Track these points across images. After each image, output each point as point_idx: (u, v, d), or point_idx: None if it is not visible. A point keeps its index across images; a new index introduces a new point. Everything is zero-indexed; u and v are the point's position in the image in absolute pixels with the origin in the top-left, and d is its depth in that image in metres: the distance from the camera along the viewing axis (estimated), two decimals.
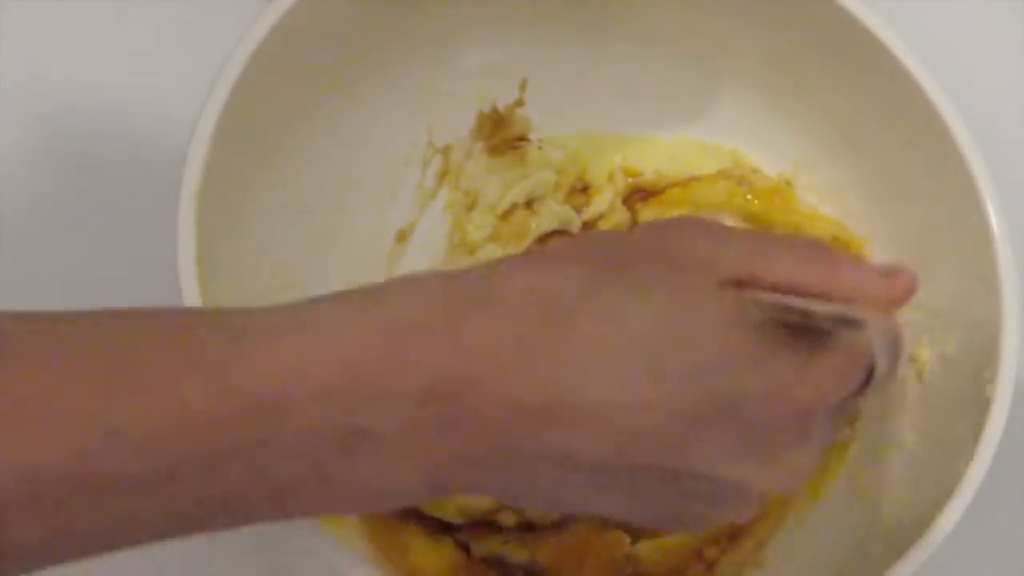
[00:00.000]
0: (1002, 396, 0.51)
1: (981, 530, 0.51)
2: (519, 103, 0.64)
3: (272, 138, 0.56)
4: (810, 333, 0.40)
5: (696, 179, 0.64)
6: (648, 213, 0.64)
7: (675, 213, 0.63)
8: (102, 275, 0.59)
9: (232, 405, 0.34)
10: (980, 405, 0.51)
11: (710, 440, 0.38)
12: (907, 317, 0.59)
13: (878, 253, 0.61)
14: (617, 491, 0.39)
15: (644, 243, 0.42)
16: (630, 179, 0.64)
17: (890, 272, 0.44)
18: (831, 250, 0.45)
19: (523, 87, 0.63)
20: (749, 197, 0.63)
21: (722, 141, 0.64)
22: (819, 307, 0.40)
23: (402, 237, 0.63)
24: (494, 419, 0.36)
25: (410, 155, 0.62)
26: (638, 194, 0.64)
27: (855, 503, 0.57)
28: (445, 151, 0.63)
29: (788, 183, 0.63)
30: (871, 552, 0.52)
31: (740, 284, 0.40)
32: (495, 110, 0.63)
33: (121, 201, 0.60)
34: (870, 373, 0.41)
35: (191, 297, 0.47)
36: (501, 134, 0.64)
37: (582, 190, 0.64)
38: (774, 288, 0.41)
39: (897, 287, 0.44)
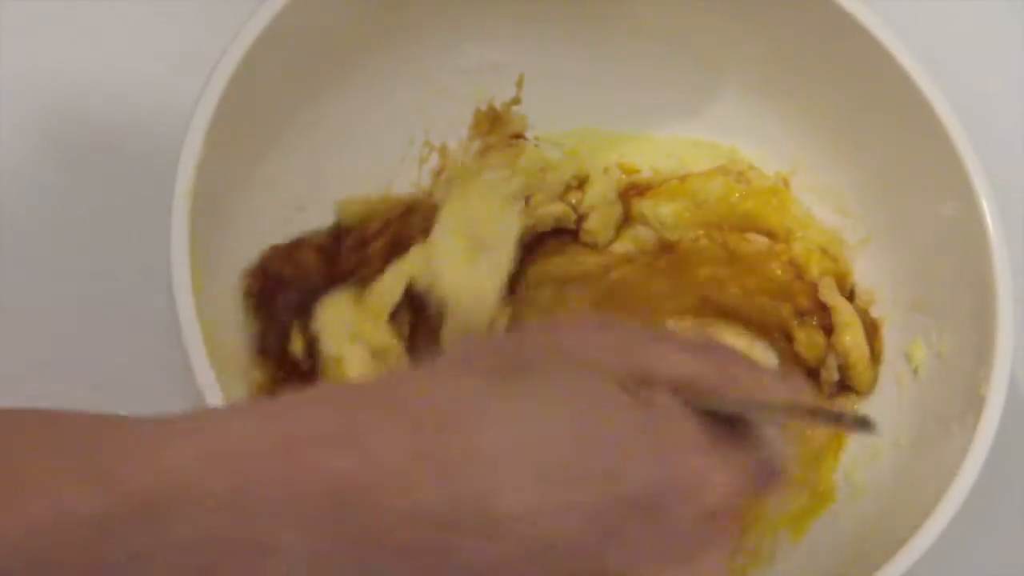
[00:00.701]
0: (996, 395, 0.51)
1: (975, 528, 0.51)
2: (516, 101, 0.63)
3: (267, 133, 0.56)
4: (722, 431, 0.39)
5: (693, 174, 0.64)
6: (644, 207, 0.64)
7: (670, 207, 0.63)
8: (96, 269, 0.59)
9: (117, 509, 0.33)
10: (974, 404, 0.51)
11: (628, 543, 0.37)
12: (903, 317, 0.59)
13: (874, 253, 0.61)
14: None
15: (538, 346, 0.41)
16: (625, 176, 0.64)
17: (783, 376, 0.45)
18: (727, 349, 0.45)
19: (520, 85, 0.63)
20: (741, 195, 0.63)
21: (719, 139, 0.64)
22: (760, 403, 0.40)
23: None
24: (396, 529, 0.35)
25: (406, 153, 0.62)
26: (634, 189, 0.64)
27: (851, 501, 0.57)
28: (442, 149, 0.63)
29: (785, 183, 0.63)
30: (866, 550, 0.52)
31: (639, 381, 0.39)
32: (492, 108, 0.63)
33: (116, 196, 0.60)
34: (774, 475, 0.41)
35: (182, 293, 0.47)
36: (498, 132, 0.64)
37: (578, 187, 0.64)
38: (671, 383, 0.40)
39: (790, 390, 0.42)
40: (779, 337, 0.62)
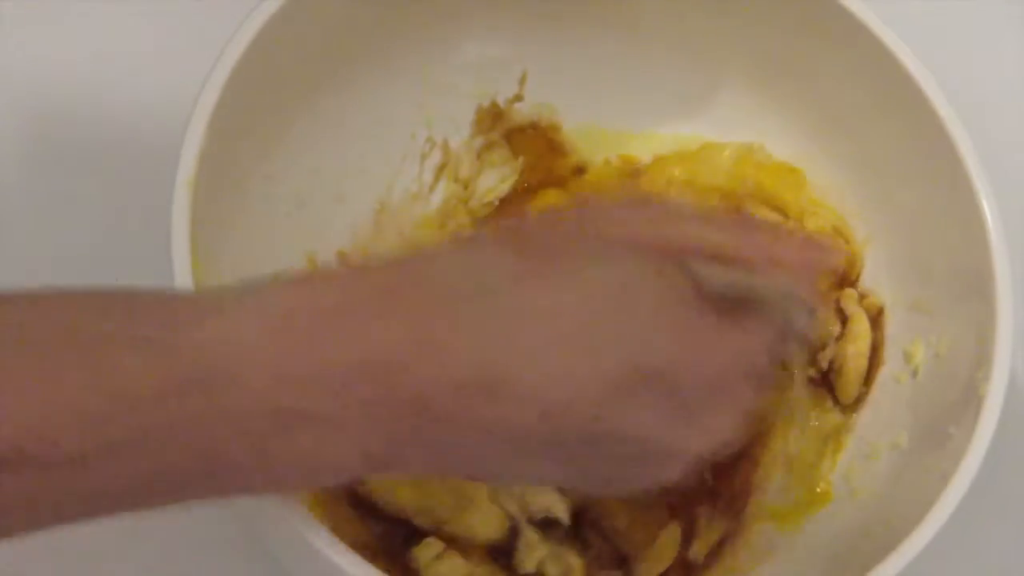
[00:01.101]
0: (995, 394, 0.51)
1: (972, 528, 0.51)
2: (518, 98, 0.64)
3: (269, 129, 0.56)
4: (737, 307, 0.42)
5: (708, 143, 0.64)
6: (653, 170, 0.64)
7: (682, 168, 0.63)
8: (94, 265, 0.59)
9: (173, 379, 0.34)
10: (973, 404, 0.51)
11: (635, 406, 0.40)
12: (902, 316, 0.59)
13: (874, 252, 0.61)
14: (547, 458, 0.40)
15: (571, 228, 0.43)
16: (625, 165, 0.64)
17: (810, 242, 0.47)
18: (750, 219, 0.48)
19: (522, 82, 0.63)
20: (756, 167, 0.63)
21: (720, 138, 0.64)
22: (763, 283, 0.42)
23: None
24: (427, 397, 0.37)
25: (408, 148, 0.62)
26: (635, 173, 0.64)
27: (848, 501, 0.57)
28: (444, 145, 0.63)
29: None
30: (863, 550, 0.52)
31: (668, 254, 0.42)
32: (495, 104, 0.63)
33: (117, 188, 0.60)
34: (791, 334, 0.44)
35: (183, 286, 0.47)
36: (500, 129, 0.64)
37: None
38: (700, 255, 0.42)
39: (817, 256, 0.46)
40: None
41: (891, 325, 0.60)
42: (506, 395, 0.38)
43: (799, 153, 0.63)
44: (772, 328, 0.43)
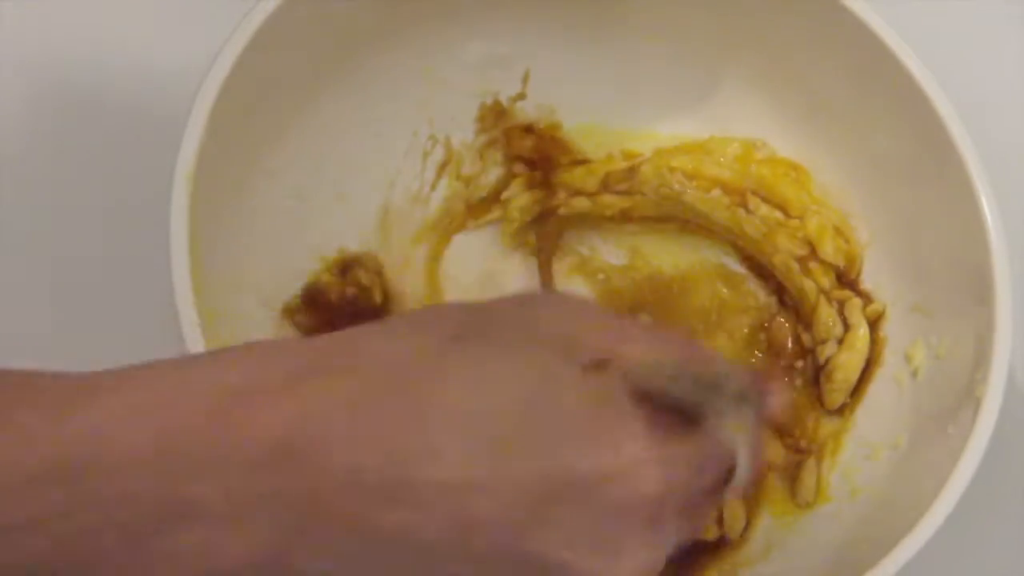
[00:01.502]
0: (993, 397, 0.51)
1: (970, 528, 0.51)
2: (521, 96, 0.64)
3: (269, 124, 0.56)
4: (672, 421, 0.38)
5: (713, 137, 0.63)
6: (657, 159, 0.63)
7: (686, 158, 0.62)
8: (93, 256, 0.59)
9: (36, 469, 0.32)
10: (971, 405, 0.51)
11: (556, 524, 0.36)
12: (902, 318, 0.59)
13: (875, 253, 0.61)
14: (462, 573, 0.37)
15: (505, 314, 0.40)
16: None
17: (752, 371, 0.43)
18: (692, 340, 0.44)
19: (525, 80, 0.63)
20: (759, 163, 0.63)
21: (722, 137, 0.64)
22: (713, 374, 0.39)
23: None
24: (328, 492, 0.34)
25: (411, 145, 0.62)
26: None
27: (848, 501, 0.57)
28: (447, 142, 0.63)
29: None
30: (862, 550, 0.52)
31: (601, 366, 0.39)
32: (497, 102, 0.63)
33: (116, 182, 0.60)
34: (729, 474, 0.40)
35: (181, 280, 0.47)
36: (502, 126, 0.64)
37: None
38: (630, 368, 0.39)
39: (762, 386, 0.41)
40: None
41: (891, 326, 0.60)
42: (410, 499, 0.35)
43: (800, 154, 0.62)
44: (717, 457, 0.39)
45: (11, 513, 0.32)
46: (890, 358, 0.59)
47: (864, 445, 0.58)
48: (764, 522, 0.59)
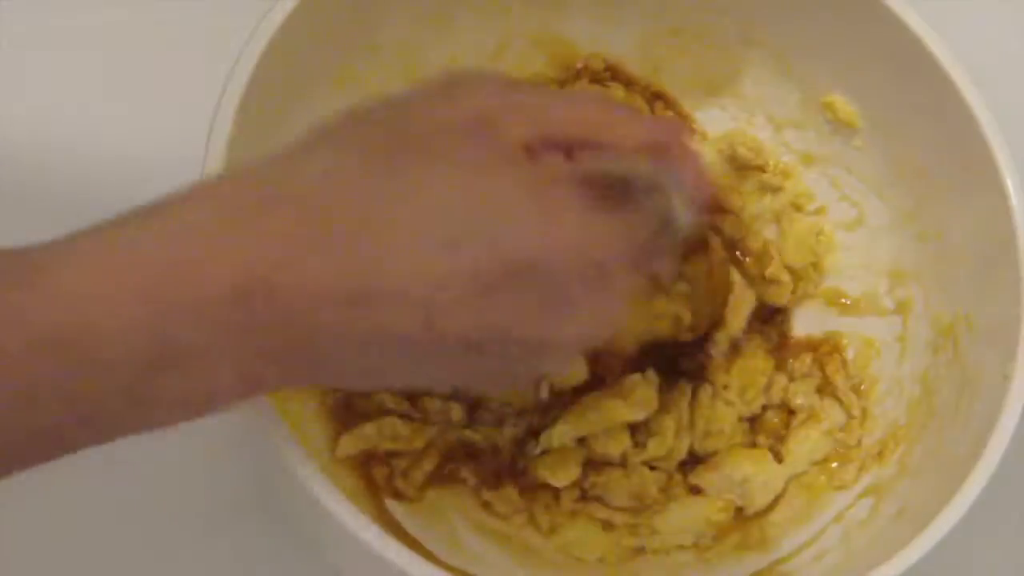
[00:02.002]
0: (1018, 390, 0.51)
1: (980, 529, 0.51)
2: None
3: (297, 114, 0.56)
4: (606, 189, 0.42)
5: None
6: None
7: None
8: None
9: (28, 338, 0.34)
10: (994, 405, 0.52)
11: (507, 304, 0.39)
12: (925, 311, 0.59)
13: (901, 240, 0.61)
14: (433, 363, 0.40)
15: (428, 112, 0.42)
16: None
17: (659, 120, 0.47)
18: (608, 101, 0.47)
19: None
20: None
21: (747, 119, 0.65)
22: (632, 167, 0.42)
23: None
24: (300, 310, 0.37)
25: None
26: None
27: (866, 501, 0.57)
28: None
29: (808, 159, 0.64)
30: (887, 537, 0.53)
31: (530, 147, 0.41)
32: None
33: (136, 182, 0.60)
34: (669, 222, 0.43)
35: None
36: None
37: None
38: (564, 142, 0.42)
39: (668, 134, 0.46)
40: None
41: (915, 319, 0.60)
42: (381, 302, 0.38)
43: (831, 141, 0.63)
44: (651, 216, 0.43)
45: (14, 380, 0.34)
46: (913, 354, 0.60)
47: (876, 442, 0.59)
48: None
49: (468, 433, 0.57)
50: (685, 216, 0.43)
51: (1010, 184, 0.54)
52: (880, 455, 0.58)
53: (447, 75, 0.44)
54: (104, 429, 0.37)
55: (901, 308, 0.61)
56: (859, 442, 0.59)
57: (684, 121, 0.64)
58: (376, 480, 0.54)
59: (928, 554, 0.48)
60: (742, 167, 0.63)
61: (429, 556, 0.52)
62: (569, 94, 0.47)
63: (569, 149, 0.42)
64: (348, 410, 0.55)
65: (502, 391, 0.57)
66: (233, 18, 0.52)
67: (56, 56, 0.62)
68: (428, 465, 0.56)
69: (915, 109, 0.58)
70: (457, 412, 0.57)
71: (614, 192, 0.42)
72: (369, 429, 0.55)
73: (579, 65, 0.63)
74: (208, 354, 0.36)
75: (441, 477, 0.56)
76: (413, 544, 0.52)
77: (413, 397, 0.56)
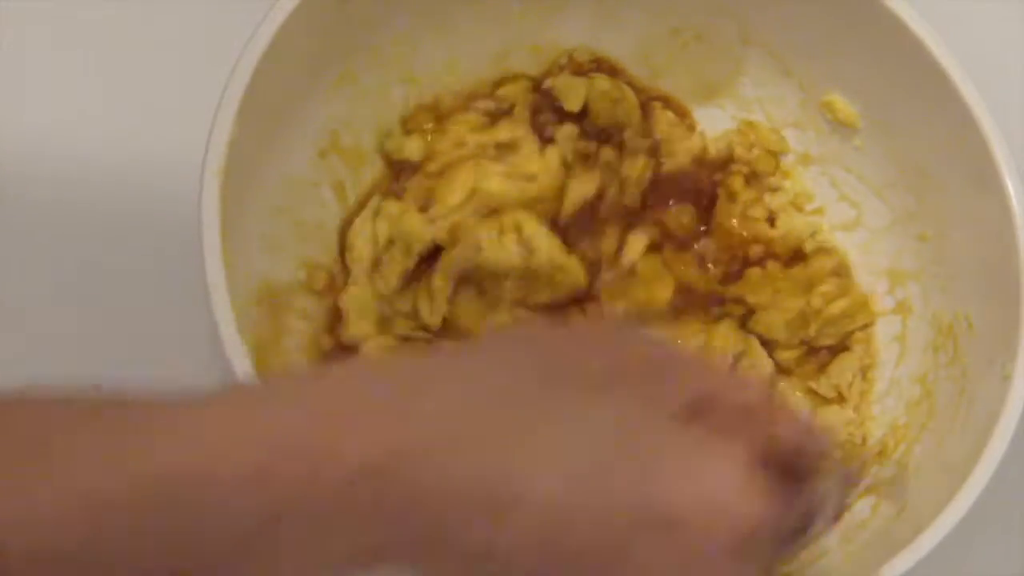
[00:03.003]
0: (1018, 390, 0.51)
1: (981, 528, 0.51)
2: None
3: (298, 107, 0.56)
4: (776, 468, 0.39)
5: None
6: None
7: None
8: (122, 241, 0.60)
9: (148, 489, 0.32)
10: (994, 407, 0.52)
11: (641, 554, 0.37)
12: (926, 311, 0.59)
13: (899, 238, 0.61)
14: None
15: (587, 351, 0.40)
16: None
17: (812, 427, 0.43)
18: (771, 395, 0.44)
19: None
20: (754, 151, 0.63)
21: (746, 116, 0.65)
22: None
23: None
24: (419, 503, 0.35)
25: None
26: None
27: (866, 501, 0.57)
28: None
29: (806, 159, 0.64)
30: (890, 537, 0.53)
31: (695, 412, 0.39)
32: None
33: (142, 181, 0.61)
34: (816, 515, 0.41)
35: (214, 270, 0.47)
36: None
37: None
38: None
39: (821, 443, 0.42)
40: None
41: (916, 321, 0.60)
42: (500, 518, 0.35)
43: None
44: (807, 504, 0.40)
45: (117, 524, 0.32)
46: (914, 354, 0.60)
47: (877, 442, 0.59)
48: None
49: None
50: (833, 514, 0.41)
51: (1010, 184, 0.54)
52: (880, 455, 0.58)
53: (606, 324, 0.45)
54: None
55: (901, 308, 0.61)
56: (864, 440, 0.59)
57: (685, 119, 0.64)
58: None
59: (928, 554, 0.48)
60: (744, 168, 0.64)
61: None
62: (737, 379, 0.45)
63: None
64: None
65: None
66: (233, 18, 0.52)
67: (56, 56, 0.62)
68: None
69: (915, 109, 0.58)
70: None
71: (786, 473, 0.39)
72: None
73: (563, 61, 0.63)
74: (322, 526, 0.34)
75: None
76: None
77: None
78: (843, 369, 0.60)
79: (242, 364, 0.46)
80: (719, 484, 0.37)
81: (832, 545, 0.55)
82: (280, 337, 0.54)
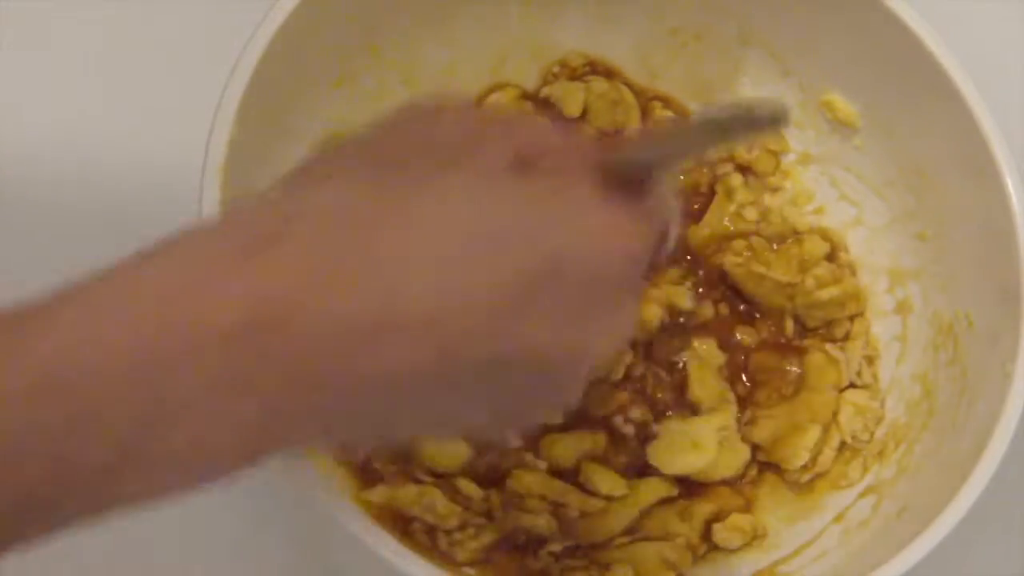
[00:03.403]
0: (1019, 389, 0.51)
1: (982, 528, 0.51)
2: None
3: (299, 110, 0.56)
4: (623, 191, 0.39)
5: None
6: None
7: None
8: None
9: (19, 386, 0.31)
10: (995, 407, 0.52)
11: (535, 314, 0.37)
12: (926, 311, 0.59)
13: (899, 236, 0.61)
14: (449, 401, 0.37)
15: (408, 135, 0.40)
16: None
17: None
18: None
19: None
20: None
21: None
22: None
23: None
24: (307, 350, 0.34)
25: None
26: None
27: (867, 501, 0.57)
28: None
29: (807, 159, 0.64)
30: (893, 534, 0.53)
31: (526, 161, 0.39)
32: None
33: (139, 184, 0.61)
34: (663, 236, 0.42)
35: None
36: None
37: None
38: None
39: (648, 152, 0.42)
40: None
41: (916, 320, 0.60)
42: (395, 336, 0.35)
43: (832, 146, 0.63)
44: (658, 217, 0.41)
45: (6, 434, 0.31)
46: (915, 352, 0.60)
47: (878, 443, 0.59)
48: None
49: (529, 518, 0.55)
50: (676, 229, 0.42)
51: (1010, 183, 0.54)
52: (881, 454, 0.58)
53: (411, 103, 0.43)
54: (100, 493, 0.33)
55: (901, 307, 0.61)
56: (872, 436, 0.59)
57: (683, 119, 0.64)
58: (414, 535, 0.53)
59: (928, 554, 0.48)
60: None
61: None
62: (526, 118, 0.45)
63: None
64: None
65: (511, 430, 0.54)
66: (233, 18, 0.52)
67: (56, 56, 0.62)
68: (487, 538, 0.54)
69: (915, 108, 0.58)
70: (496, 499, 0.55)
71: (630, 186, 0.40)
72: (409, 491, 0.53)
73: (555, 69, 0.63)
74: (208, 408, 0.33)
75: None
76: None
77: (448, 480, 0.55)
78: (849, 358, 0.60)
79: None
80: (590, 222, 0.38)
81: (832, 545, 0.55)
82: None
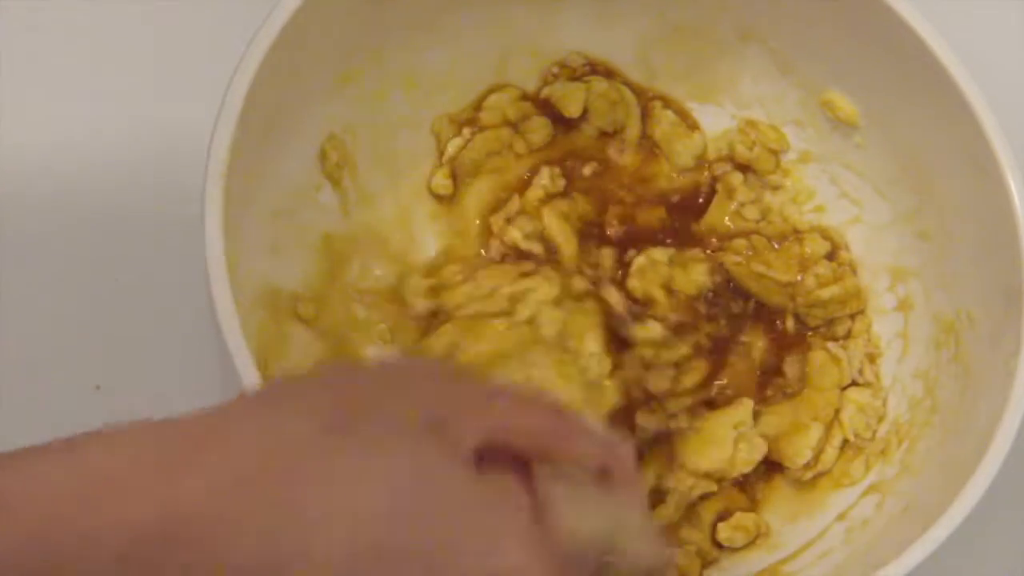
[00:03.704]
0: (1022, 387, 0.51)
1: (984, 529, 0.51)
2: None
3: (298, 115, 0.56)
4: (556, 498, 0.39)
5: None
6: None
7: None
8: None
9: None
10: (1001, 395, 0.52)
11: None
12: (927, 310, 0.59)
13: (900, 234, 0.61)
14: None
15: (377, 397, 0.39)
16: None
17: (610, 443, 0.43)
18: (558, 407, 0.43)
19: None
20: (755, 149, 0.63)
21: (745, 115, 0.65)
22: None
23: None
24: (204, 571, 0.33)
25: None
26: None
27: (870, 499, 0.57)
28: None
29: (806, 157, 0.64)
30: (893, 535, 0.53)
31: (479, 452, 0.38)
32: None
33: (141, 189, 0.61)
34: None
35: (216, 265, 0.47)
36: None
37: None
38: (512, 449, 0.39)
39: (618, 459, 0.42)
40: None
41: (918, 318, 0.60)
42: None
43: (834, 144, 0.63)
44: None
45: None
46: (917, 352, 0.60)
47: (880, 443, 0.59)
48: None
49: None
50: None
51: (1011, 181, 0.54)
52: (883, 452, 0.58)
53: (396, 359, 0.43)
54: None
55: (902, 305, 0.61)
56: (874, 435, 0.59)
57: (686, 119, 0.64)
58: None
59: (932, 553, 0.48)
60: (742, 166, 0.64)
61: None
62: (520, 393, 0.43)
63: (519, 455, 0.39)
64: None
65: None
66: (234, 19, 0.52)
67: (55, 58, 0.62)
68: None
69: (916, 106, 0.58)
70: None
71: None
72: None
73: (555, 70, 0.63)
74: None
75: None
76: None
77: None
78: (851, 356, 0.61)
79: (246, 366, 0.46)
80: (506, 558, 0.37)
81: (835, 544, 0.55)
82: (284, 341, 0.55)
